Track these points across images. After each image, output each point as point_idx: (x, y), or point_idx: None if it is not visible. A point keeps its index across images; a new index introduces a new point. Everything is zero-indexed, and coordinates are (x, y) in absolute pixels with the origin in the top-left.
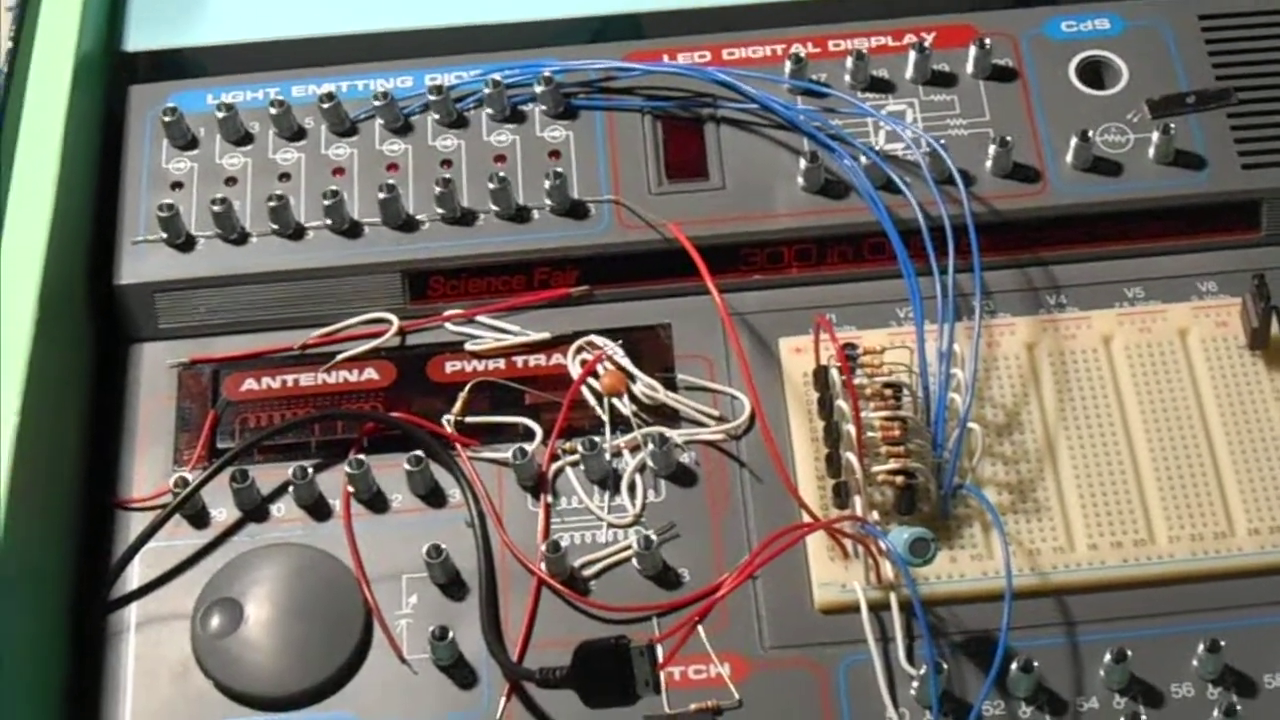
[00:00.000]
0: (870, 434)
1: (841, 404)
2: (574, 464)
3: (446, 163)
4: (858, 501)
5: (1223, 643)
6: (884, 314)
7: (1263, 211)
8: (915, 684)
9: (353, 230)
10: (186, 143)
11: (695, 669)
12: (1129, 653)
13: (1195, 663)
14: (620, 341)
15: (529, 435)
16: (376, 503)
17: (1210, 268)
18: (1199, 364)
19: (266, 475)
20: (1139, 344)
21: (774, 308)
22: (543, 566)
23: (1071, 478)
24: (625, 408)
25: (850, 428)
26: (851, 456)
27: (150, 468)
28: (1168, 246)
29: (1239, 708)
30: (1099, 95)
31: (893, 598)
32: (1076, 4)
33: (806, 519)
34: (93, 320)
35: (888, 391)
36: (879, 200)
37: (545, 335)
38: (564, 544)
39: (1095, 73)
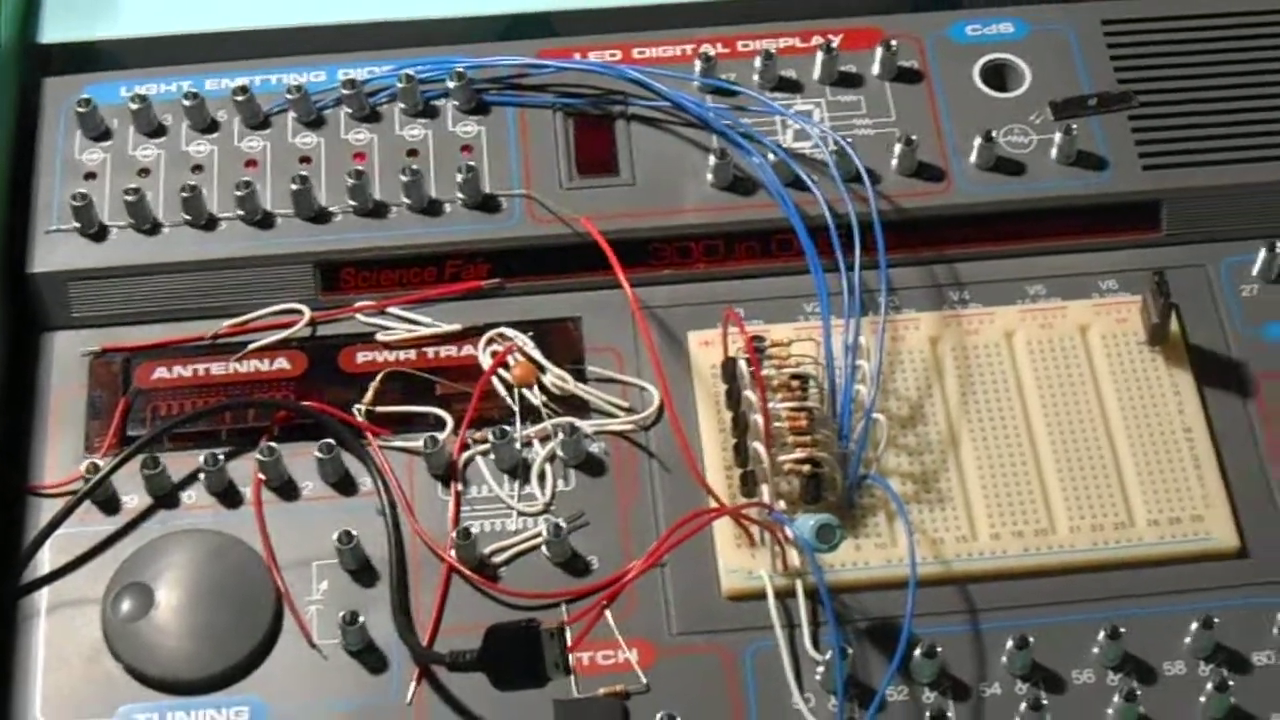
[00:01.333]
0: (777, 424)
1: (749, 394)
2: (484, 453)
3: (359, 155)
4: (764, 489)
5: (1123, 630)
6: (791, 309)
7: (1162, 211)
8: (820, 669)
9: (265, 221)
10: (100, 134)
11: (604, 654)
12: (1031, 640)
13: (1096, 650)
14: (531, 334)
15: (440, 425)
16: (287, 490)
17: (1111, 266)
18: (1099, 359)
19: (178, 463)
20: (1040, 339)
21: (682, 302)
22: (453, 553)
23: (974, 469)
24: (535, 398)
25: (758, 417)
26: (759, 445)
27: (62, 454)
28: (1069, 245)
29: (1138, 693)
30: (1002, 97)
31: (799, 584)
32: (981, 8)
33: (714, 506)
34: (6, 308)
35: (794, 383)
36: (787, 197)
37: (456, 327)
38: (474, 531)
39: (999, 75)
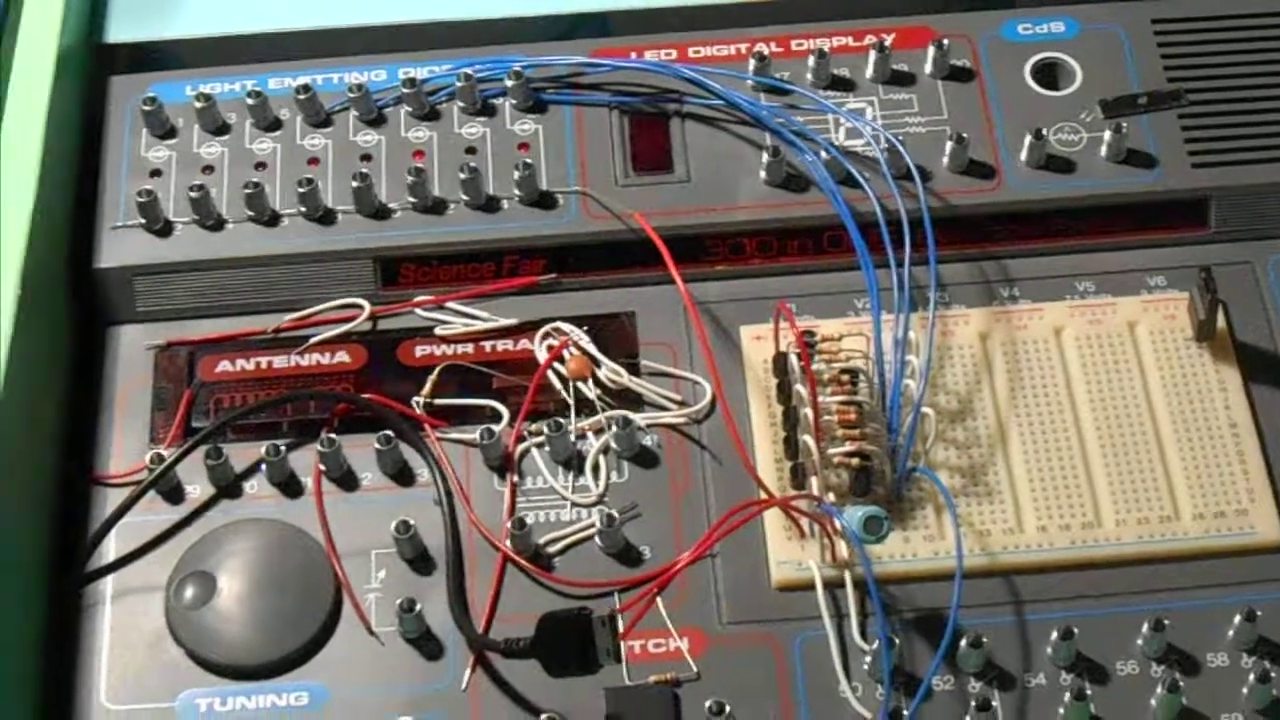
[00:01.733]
0: (827, 418)
1: (800, 388)
2: (539, 445)
3: (419, 153)
4: (814, 482)
5: (1166, 622)
6: (842, 304)
7: (1211, 209)
8: (868, 659)
9: (326, 218)
10: (165, 132)
11: (655, 643)
12: (1075, 631)
13: (1140, 641)
14: (586, 328)
15: (496, 417)
16: (347, 481)
17: (1160, 263)
18: (1147, 355)
19: (240, 454)
20: (1089, 335)
21: (735, 297)
22: (508, 543)
23: (1022, 462)
24: (590, 392)
25: (808, 411)
26: (808, 439)
27: (127, 446)
28: (1119, 242)
29: (1182, 684)
30: (1053, 95)
31: (847, 575)
32: (1033, 7)
33: (764, 498)
34: (73, 303)
35: (844, 377)
36: (839, 194)
37: (513, 321)
38: (529, 521)
39: (1050, 74)
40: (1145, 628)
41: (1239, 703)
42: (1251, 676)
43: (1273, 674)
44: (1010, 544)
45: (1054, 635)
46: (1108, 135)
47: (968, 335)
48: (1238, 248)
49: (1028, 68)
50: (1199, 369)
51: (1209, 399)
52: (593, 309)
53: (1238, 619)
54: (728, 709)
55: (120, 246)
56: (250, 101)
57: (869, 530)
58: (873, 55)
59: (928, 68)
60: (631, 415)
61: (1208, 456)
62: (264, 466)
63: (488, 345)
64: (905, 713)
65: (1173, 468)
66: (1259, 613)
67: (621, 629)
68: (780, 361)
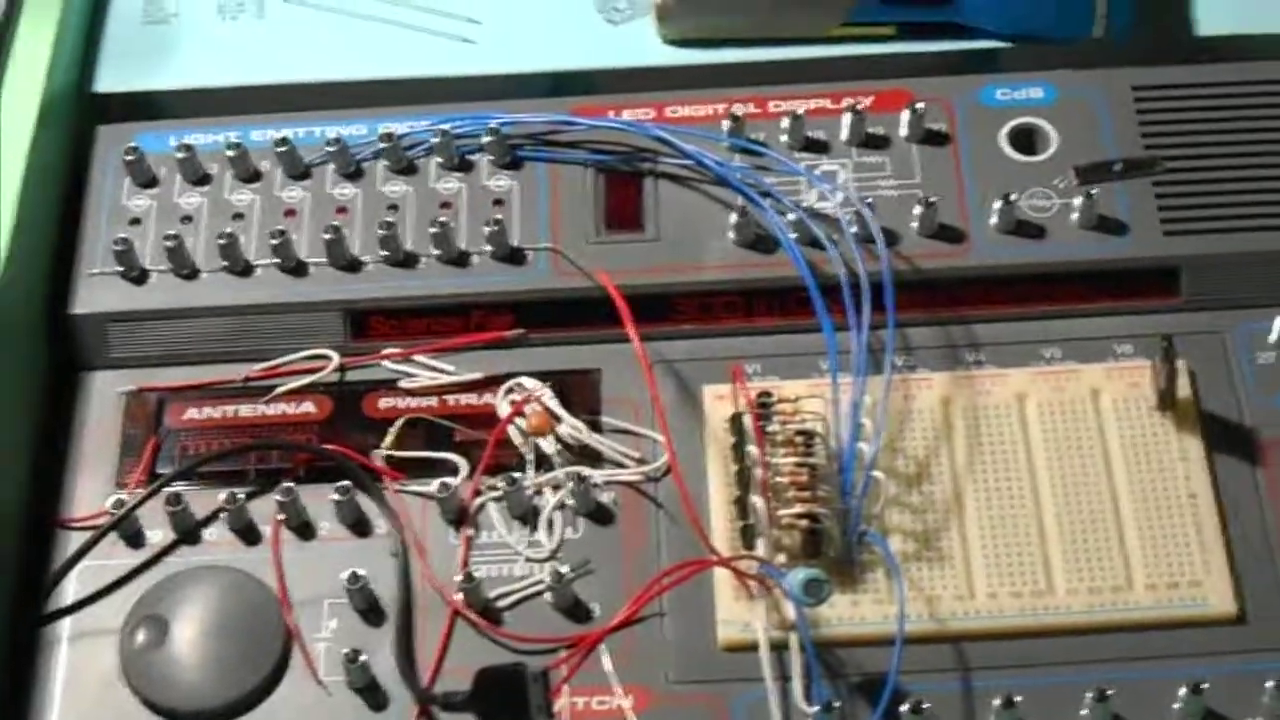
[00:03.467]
0: (780, 479)
1: (751, 449)
2: (496, 500)
3: (393, 207)
4: (760, 543)
5: (1110, 692)
6: (806, 365)
7: (1182, 278)
8: None
9: (299, 269)
10: (147, 181)
11: (599, 700)
12: (1017, 699)
13: (1085, 712)
14: (550, 384)
15: (457, 471)
16: (304, 530)
17: (1129, 331)
18: (1109, 423)
19: (203, 501)
20: (1052, 402)
21: (700, 356)
22: (458, 596)
23: (976, 528)
24: (550, 448)
25: (759, 471)
26: (757, 499)
27: (92, 490)
28: (1088, 309)
29: None
30: (1028, 161)
31: (793, 638)
32: (1014, 73)
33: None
34: (48, 347)
35: (799, 439)
36: (800, 255)
37: (477, 375)
38: (480, 575)
39: (1027, 139)
40: (1089, 697)
41: None
42: None
43: None
44: (960, 610)
45: (996, 703)
46: (1079, 201)
47: (930, 400)
48: (1208, 317)
49: (1003, 133)
50: (1161, 438)
51: (1169, 469)
52: (560, 365)
53: (1183, 691)
54: None
55: (96, 293)
56: (230, 153)
57: (809, 593)
58: (848, 118)
59: (903, 131)
60: (586, 471)
61: (1164, 526)
62: (224, 514)
63: (451, 399)
64: None
65: (1128, 537)
66: (1205, 685)
67: (553, 685)
68: (737, 421)
